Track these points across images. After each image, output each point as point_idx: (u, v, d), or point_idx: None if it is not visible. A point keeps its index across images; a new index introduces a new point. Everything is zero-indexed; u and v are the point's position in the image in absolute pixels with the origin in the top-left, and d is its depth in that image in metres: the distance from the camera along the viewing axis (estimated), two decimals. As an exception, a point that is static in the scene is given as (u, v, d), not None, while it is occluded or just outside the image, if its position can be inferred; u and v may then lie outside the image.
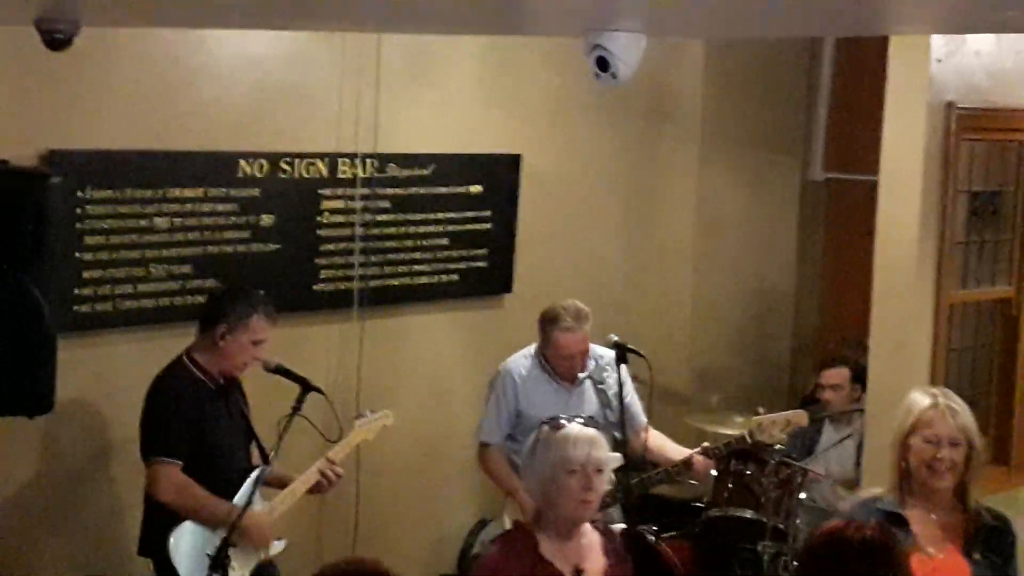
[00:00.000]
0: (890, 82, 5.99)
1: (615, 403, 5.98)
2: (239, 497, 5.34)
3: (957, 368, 6.35)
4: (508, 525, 6.19)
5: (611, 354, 6.05)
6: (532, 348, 6.26)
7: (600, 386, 6.11)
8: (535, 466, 4.16)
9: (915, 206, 5.96)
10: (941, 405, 4.31)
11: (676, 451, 6.31)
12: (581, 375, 6.18)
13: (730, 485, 6.77)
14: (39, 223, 4.86)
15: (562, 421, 4.19)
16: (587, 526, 4.26)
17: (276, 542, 5.52)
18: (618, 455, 5.70)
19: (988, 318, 6.58)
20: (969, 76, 6.06)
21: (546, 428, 4.17)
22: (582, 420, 4.31)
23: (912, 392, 4.44)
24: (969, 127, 6.09)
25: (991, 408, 6.57)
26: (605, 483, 4.20)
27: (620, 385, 5.93)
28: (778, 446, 6.68)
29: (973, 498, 4.30)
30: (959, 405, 4.33)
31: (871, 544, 3.40)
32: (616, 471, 5.85)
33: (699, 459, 6.21)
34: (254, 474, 5.41)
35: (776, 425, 6.14)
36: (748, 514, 6.85)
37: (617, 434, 5.82)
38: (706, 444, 6.35)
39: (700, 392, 8.14)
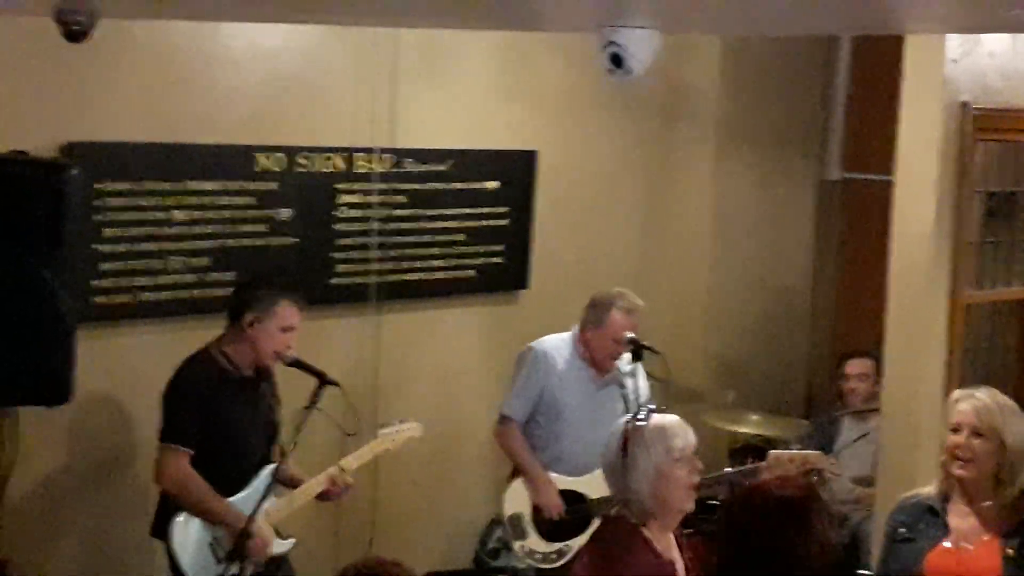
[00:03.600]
0: (905, 82, 5.99)
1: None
2: (246, 496, 5.36)
3: (972, 369, 6.34)
4: (508, 509, 6.24)
5: (629, 364, 6.07)
6: (568, 334, 6.26)
7: (623, 390, 6.08)
8: (636, 465, 4.00)
9: (930, 206, 5.96)
10: (969, 397, 4.39)
11: None
12: (610, 372, 6.17)
13: (745, 482, 6.81)
14: (57, 214, 4.90)
15: (642, 415, 4.08)
16: None
17: (283, 541, 5.52)
18: None
19: (1004, 319, 6.57)
20: (983, 77, 6.06)
21: (631, 426, 4.04)
22: (655, 408, 4.25)
23: None
24: (984, 127, 6.08)
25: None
26: None
27: (637, 391, 5.92)
28: (795, 446, 6.70)
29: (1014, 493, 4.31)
30: (993, 401, 4.37)
31: (789, 501, 3.34)
32: None
33: None
34: (264, 473, 5.41)
35: (794, 463, 6.11)
36: (762, 511, 6.88)
37: None
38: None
39: (715, 390, 8.15)
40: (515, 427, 6.25)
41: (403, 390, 6.89)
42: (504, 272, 7.36)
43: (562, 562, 6.12)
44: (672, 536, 4.18)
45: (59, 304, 4.90)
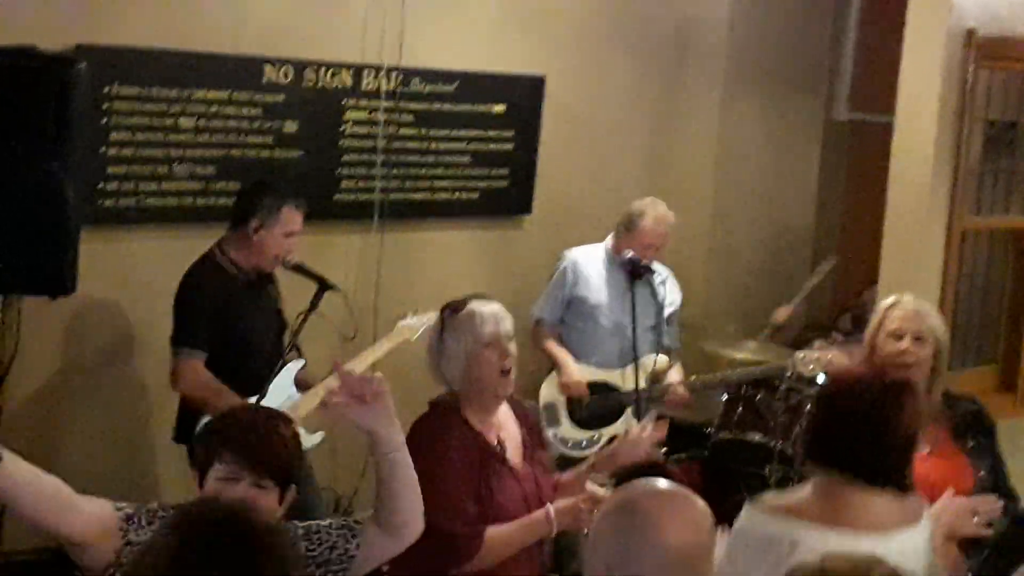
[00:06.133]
0: (912, 6, 6.00)
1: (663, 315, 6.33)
2: (269, 394, 5.32)
3: (968, 295, 6.38)
4: (543, 397, 6.50)
5: (668, 274, 6.45)
6: (602, 244, 6.49)
7: (657, 297, 6.32)
8: (448, 351, 4.16)
9: (931, 132, 5.98)
10: (904, 303, 4.37)
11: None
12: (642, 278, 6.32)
13: (740, 409, 6.87)
14: (64, 107, 4.95)
15: (462, 302, 4.21)
16: None
17: (311, 435, 5.40)
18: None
19: (1001, 247, 6.60)
20: (990, 4, 6.07)
21: (448, 312, 4.20)
22: (483, 296, 4.34)
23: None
24: (989, 55, 6.10)
25: (999, 335, 6.61)
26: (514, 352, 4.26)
27: (662, 298, 6.27)
28: (788, 374, 6.75)
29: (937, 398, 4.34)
30: (923, 303, 4.40)
31: (890, 383, 3.44)
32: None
33: (677, 389, 6.45)
34: (288, 368, 5.44)
35: (819, 362, 6.17)
36: (756, 438, 6.94)
37: (665, 342, 6.37)
38: (695, 378, 6.58)
39: (714, 324, 8.18)
40: (544, 325, 6.52)
41: (403, 308, 6.90)
42: (507, 197, 7.39)
43: (592, 449, 6.26)
44: (499, 418, 4.28)
45: (65, 195, 4.97)
